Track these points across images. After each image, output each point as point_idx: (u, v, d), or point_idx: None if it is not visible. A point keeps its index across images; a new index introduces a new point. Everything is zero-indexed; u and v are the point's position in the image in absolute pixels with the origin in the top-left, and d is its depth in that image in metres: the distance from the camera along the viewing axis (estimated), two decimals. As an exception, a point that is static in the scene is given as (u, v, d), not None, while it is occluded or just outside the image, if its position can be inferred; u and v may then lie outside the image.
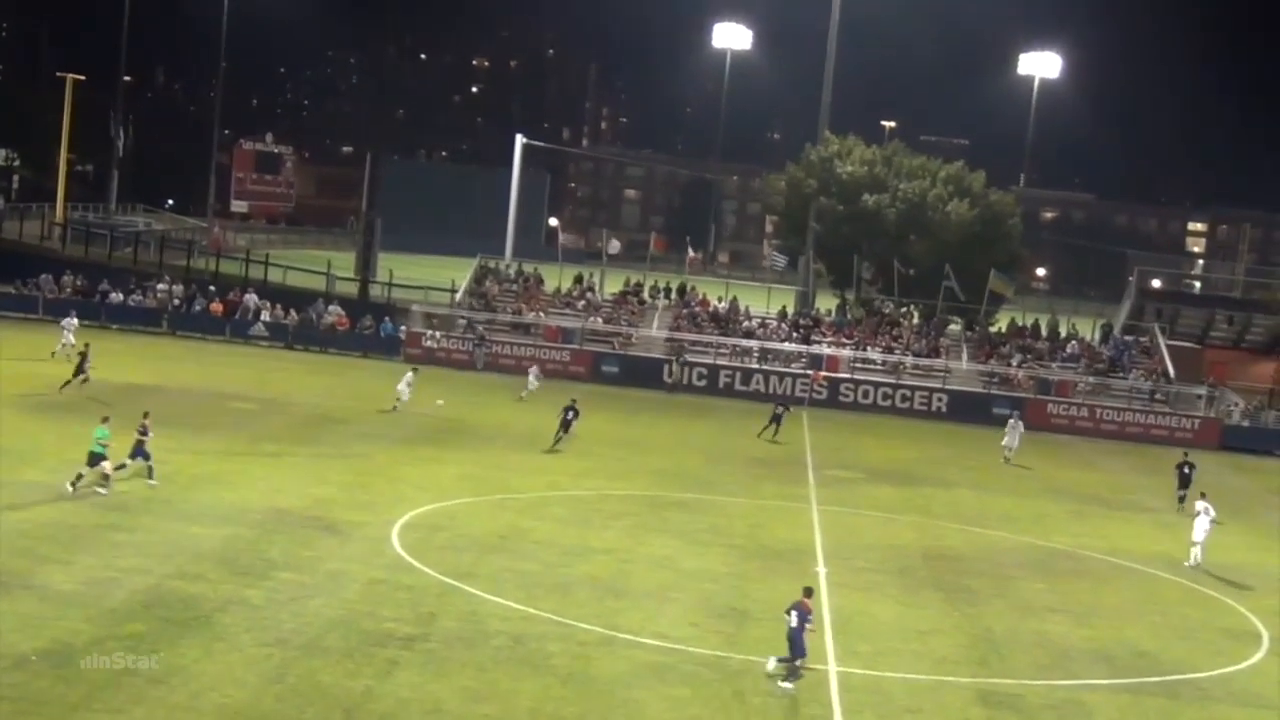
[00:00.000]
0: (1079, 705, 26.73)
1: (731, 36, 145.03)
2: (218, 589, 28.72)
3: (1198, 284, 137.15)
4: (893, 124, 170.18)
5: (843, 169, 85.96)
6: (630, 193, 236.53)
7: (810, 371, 72.46)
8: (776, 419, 57.76)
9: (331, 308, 77.46)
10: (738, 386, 71.99)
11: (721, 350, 74.75)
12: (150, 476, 37.28)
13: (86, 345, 54.12)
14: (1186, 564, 40.42)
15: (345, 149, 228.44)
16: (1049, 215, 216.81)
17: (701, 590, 32.35)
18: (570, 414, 50.66)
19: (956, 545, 40.77)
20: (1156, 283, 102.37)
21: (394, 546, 33.63)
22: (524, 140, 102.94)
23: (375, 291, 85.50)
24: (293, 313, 75.92)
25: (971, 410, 70.51)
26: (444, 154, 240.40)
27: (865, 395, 71.93)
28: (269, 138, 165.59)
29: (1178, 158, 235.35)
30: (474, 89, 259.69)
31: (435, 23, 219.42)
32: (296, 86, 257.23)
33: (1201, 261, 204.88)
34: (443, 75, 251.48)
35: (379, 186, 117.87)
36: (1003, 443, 58.78)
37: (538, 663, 25.95)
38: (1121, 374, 75.73)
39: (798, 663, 26.41)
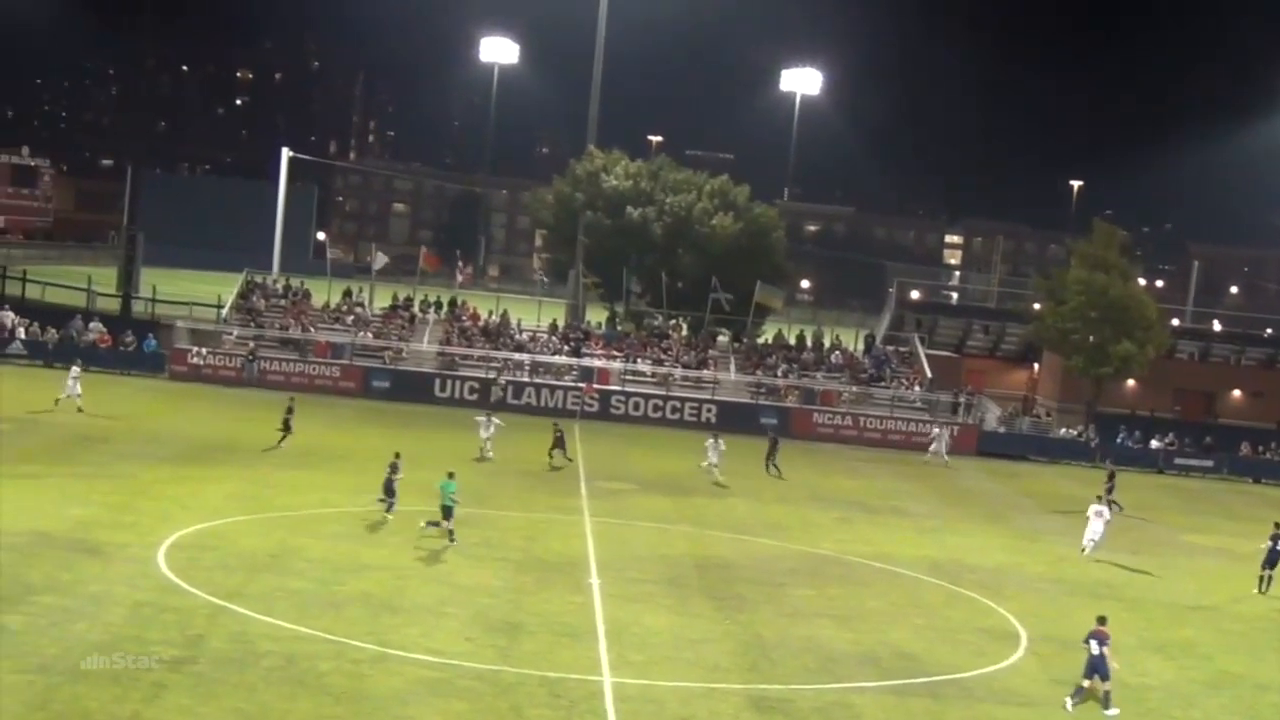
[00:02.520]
0: (847, 708, 27.34)
1: (498, 50, 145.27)
2: (-26, 617, 27.82)
3: (954, 295, 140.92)
4: (659, 139, 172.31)
5: (608, 183, 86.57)
6: (399, 206, 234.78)
7: (582, 384, 72.87)
8: (558, 440, 56.26)
9: (92, 324, 75.44)
10: (510, 400, 71.97)
11: (493, 364, 74.70)
12: None
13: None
14: (1084, 552, 45.05)
15: (105, 162, 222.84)
16: (811, 228, 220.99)
17: (476, 605, 32.33)
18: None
19: (727, 554, 41.38)
20: (915, 294, 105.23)
21: (160, 567, 32.90)
22: (290, 153, 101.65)
23: (139, 308, 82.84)
24: (52, 330, 73.81)
25: (740, 420, 71.50)
26: (207, 167, 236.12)
27: (636, 407, 72.61)
28: (25, 150, 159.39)
29: (932, 171, 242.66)
30: (237, 101, 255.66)
31: (196, 33, 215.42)
32: (54, 97, 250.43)
33: (958, 273, 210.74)
34: (205, 86, 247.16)
35: (140, 200, 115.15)
36: (706, 463, 56.11)
37: (310, 682, 25.66)
38: (884, 383, 77.67)
39: (1107, 685, 28.69)
